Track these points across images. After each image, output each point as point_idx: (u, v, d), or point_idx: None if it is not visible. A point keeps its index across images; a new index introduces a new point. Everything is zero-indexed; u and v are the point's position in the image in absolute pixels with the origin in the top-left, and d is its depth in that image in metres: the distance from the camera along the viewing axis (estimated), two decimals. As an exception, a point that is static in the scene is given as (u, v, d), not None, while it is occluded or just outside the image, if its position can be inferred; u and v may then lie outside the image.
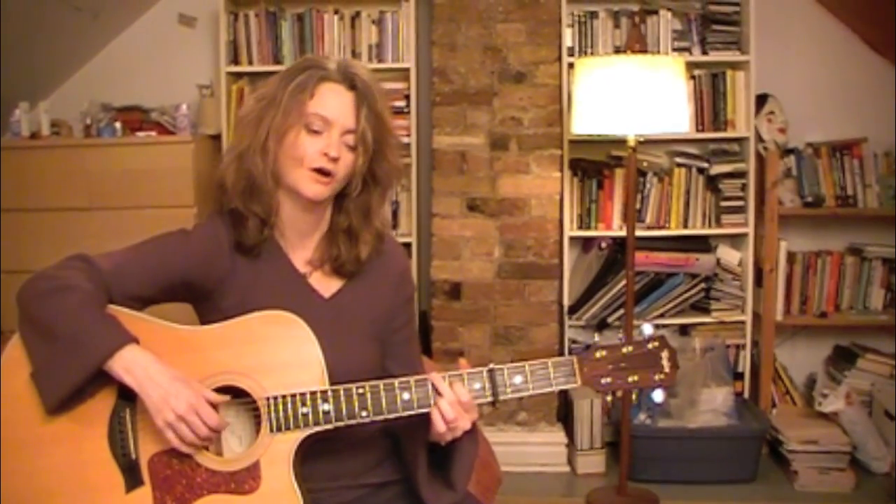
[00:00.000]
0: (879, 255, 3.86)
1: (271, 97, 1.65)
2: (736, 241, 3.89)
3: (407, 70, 3.78)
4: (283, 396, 1.56)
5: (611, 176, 3.84)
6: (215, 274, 1.67)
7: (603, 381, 1.63)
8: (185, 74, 3.97)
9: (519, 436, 3.63)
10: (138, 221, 3.39)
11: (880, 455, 3.50)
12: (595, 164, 3.85)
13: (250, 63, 3.83)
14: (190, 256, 1.66)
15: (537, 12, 3.61)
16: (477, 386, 1.61)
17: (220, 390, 1.57)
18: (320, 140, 1.63)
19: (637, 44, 3.30)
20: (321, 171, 1.63)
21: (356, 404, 1.57)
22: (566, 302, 3.80)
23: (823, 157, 3.83)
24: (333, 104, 1.64)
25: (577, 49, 3.79)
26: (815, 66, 3.94)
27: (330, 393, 1.57)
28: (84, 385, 1.52)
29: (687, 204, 3.84)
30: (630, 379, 1.64)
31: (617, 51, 3.74)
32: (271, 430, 1.56)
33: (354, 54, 3.81)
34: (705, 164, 3.82)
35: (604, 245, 3.87)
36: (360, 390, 1.57)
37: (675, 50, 3.79)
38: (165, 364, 1.54)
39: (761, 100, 3.80)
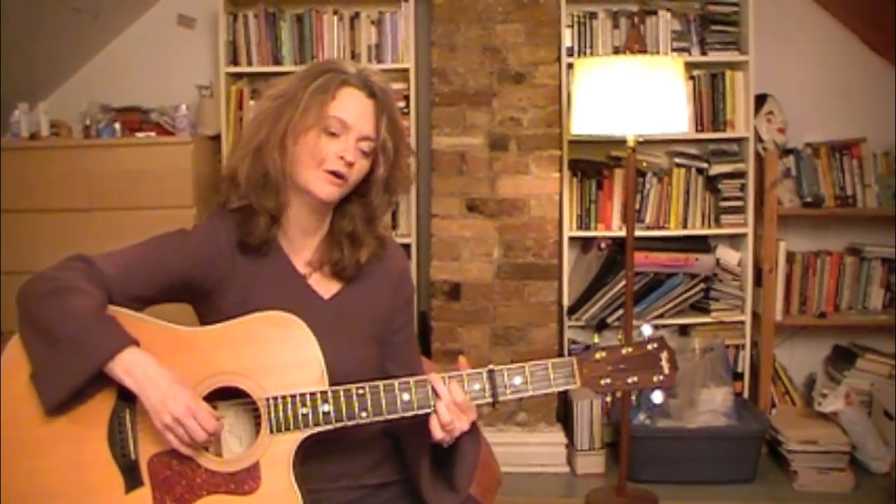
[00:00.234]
0: (879, 255, 3.86)
1: (290, 96, 1.65)
2: (735, 241, 3.89)
3: (406, 71, 3.78)
4: (283, 397, 1.56)
5: (610, 176, 3.84)
6: (215, 274, 1.67)
7: (602, 382, 1.63)
8: (185, 75, 3.97)
9: (518, 436, 3.63)
10: (138, 222, 3.38)
11: (880, 455, 3.50)
12: (594, 164, 3.85)
13: (249, 64, 3.83)
14: (190, 256, 1.67)
15: (536, 13, 3.61)
16: (476, 387, 1.61)
17: (220, 391, 1.57)
18: (337, 143, 1.64)
19: (636, 44, 3.30)
20: (335, 174, 1.64)
21: (356, 405, 1.57)
22: (566, 302, 3.80)
23: (823, 157, 3.83)
24: (353, 109, 1.64)
25: (576, 49, 3.79)
26: (815, 67, 3.94)
27: (330, 394, 1.57)
28: (84, 386, 1.52)
29: (686, 204, 3.84)
30: (630, 380, 1.64)
31: (616, 51, 3.74)
32: (271, 431, 1.56)
33: (354, 55, 3.81)
34: (704, 165, 3.82)
35: (603, 245, 3.87)
36: (360, 391, 1.58)
37: (674, 50, 3.79)
38: (166, 366, 1.54)
39: (760, 100, 3.81)
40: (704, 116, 3.82)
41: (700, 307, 3.84)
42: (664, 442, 3.47)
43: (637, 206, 3.73)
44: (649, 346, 1.65)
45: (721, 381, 3.53)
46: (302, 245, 1.73)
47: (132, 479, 1.54)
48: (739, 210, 3.80)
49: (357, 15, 3.84)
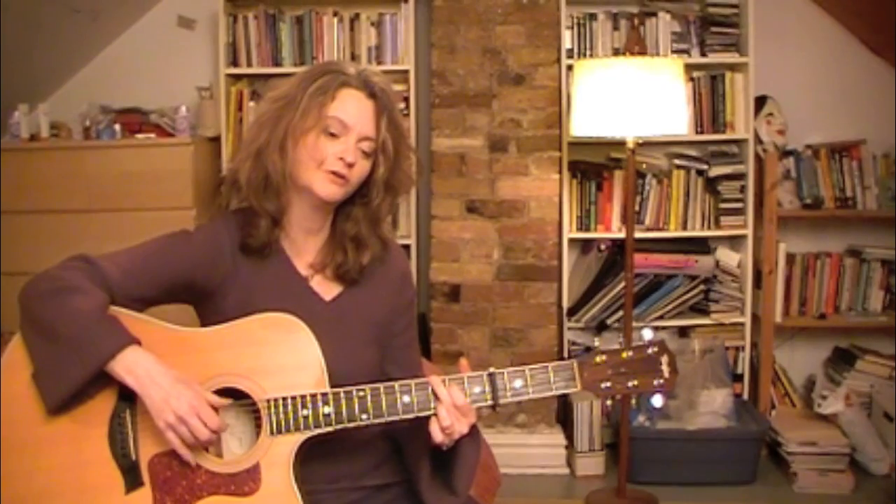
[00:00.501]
0: (878, 257, 3.87)
1: (290, 98, 1.65)
2: (735, 242, 3.89)
3: (406, 72, 3.78)
4: (284, 399, 1.56)
5: (610, 178, 3.85)
6: (217, 275, 1.67)
7: (603, 385, 1.63)
8: (185, 76, 3.97)
9: (518, 438, 3.63)
10: (137, 223, 3.38)
11: (879, 456, 3.50)
12: (594, 165, 3.85)
13: (249, 65, 3.83)
14: (192, 257, 1.67)
15: (536, 14, 3.61)
16: (477, 390, 1.61)
17: (221, 392, 1.57)
18: (337, 144, 1.64)
19: (636, 46, 3.30)
20: (336, 175, 1.64)
21: (356, 407, 1.57)
22: (565, 304, 3.80)
23: (822, 158, 3.84)
24: (353, 110, 1.65)
25: (576, 51, 3.79)
26: (814, 68, 3.95)
27: (330, 395, 1.57)
28: (85, 386, 1.52)
29: (686, 206, 3.84)
30: (630, 384, 1.64)
31: (616, 53, 3.74)
32: (271, 433, 1.56)
33: (353, 57, 3.81)
34: (704, 166, 3.82)
35: (603, 247, 3.87)
36: (361, 393, 1.58)
37: (674, 52, 3.79)
38: (167, 365, 1.54)
39: (760, 101, 3.81)
40: (704, 118, 3.82)
41: (700, 309, 3.84)
42: (664, 443, 3.47)
43: (637, 208, 3.73)
44: (650, 350, 1.66)
45: (721, 383, 3.53)
46: (304, 247, 1.73)
47: (132, 479, 1.54)
48: (739, 211, 3.80)
49: (357, 16, 3.84)
